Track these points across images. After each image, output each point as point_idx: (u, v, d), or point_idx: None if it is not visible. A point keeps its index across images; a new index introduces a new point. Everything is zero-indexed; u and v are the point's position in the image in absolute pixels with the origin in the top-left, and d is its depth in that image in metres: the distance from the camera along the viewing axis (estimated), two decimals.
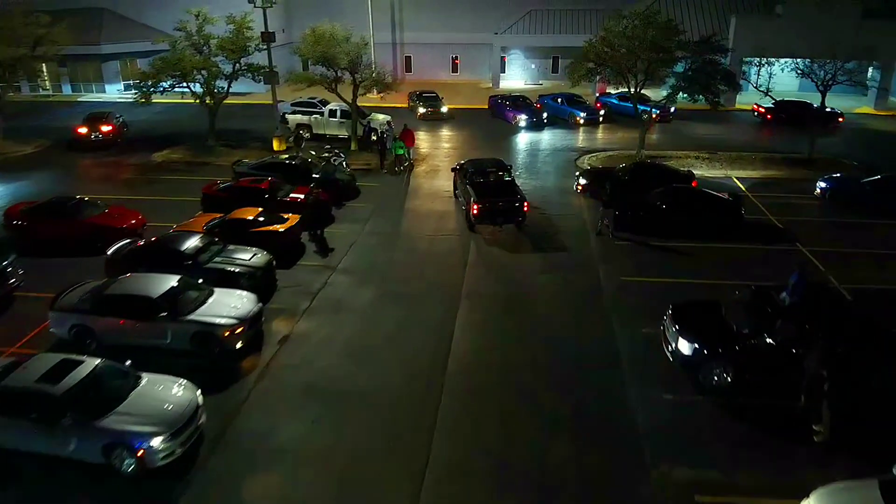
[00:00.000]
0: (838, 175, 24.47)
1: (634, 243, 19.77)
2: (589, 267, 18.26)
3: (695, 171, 25.17)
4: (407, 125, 28.04)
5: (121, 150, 31.12)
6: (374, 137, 28.17)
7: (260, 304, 14.86)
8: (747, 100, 42.48)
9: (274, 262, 17.36)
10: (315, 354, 14.02)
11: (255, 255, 17.03)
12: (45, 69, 45.90)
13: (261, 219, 18.98)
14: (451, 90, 44.40)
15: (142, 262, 16.53)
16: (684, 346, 12.98)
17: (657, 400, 12.44)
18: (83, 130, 31.15)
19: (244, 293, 15.06)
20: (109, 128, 31.98)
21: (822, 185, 23.83)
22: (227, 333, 13.80)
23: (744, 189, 25.00)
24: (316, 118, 31.64)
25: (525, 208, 20.14)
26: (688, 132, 34.28)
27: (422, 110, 36.64)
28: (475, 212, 19.80)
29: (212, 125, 30.52)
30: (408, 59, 49.67)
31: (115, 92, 46.70)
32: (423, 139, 32.97)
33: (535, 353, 14.00)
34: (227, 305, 14.44)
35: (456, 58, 49.64)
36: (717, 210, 20.39)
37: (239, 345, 14.00)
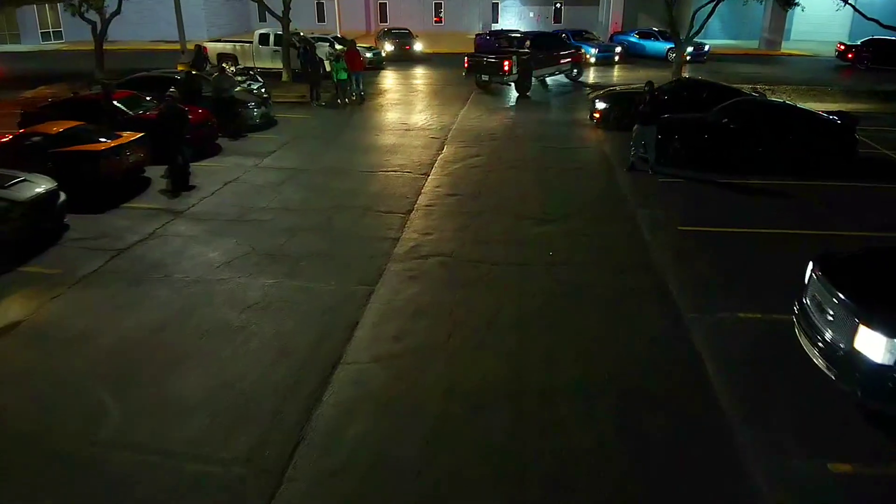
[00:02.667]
0: None
1: (688, 181, 12.17)
2: (619, 213, 10.64)
3: None
4: (354, 44, 20.33)
5: None
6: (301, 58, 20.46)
7: None
8: (794, 46, 35.07)
9: (60, 198, 9.80)
10: (42, 367, 6.42)
11: (19, 182, 9.46)
12: None
13: (74, 134, 11.41)
14: (432, 39, 36.80)
15: None
16: (876, 346, 5.38)
17: (821, 479, 4.90)
18: None
19: None
20: None
21: None
22: None
23: None
24: (242, 46, 24.03)
25: (506, 67, 20.30)
26: (730, 71, 26.59)
27: (389, 48, 28.95)
28: (465, 64, 21.93)
29: (99, 53, 22.91)
30: (382, 6, 42.01)
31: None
32: (386, 78, 25.35)
33: (520, 382, 6.38)
34: None
35: (440, 4, 41.96)
36: (819, 132, 12.77)
37: None
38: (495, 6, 40.90)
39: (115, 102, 13.53)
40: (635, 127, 12.63)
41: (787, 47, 34.43)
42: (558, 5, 41.00)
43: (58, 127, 11.60)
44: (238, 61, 24.01)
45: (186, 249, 9.15)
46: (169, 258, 8.85)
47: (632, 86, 20.61)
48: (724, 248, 9.12)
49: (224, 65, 23.66)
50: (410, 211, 10.71)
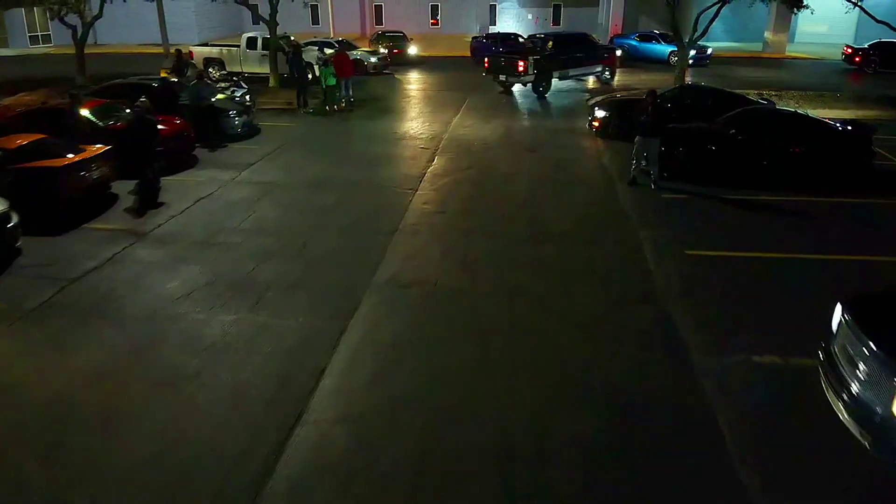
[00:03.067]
0: None
1: (694, 197, 11.36)
2: (620, 234, 9.83)
3: None
4: (345, 49, 19.51)
5: None
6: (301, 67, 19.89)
7: None
8: (799, 49, 34.31)
9: (12, 221, 8.98)
10: None
11: None
12: None
13: (36, 148, 10.60)
14: (428, 42, 36.01)
15: None
16: None
17: None
18: None
19: None
20: None
21: None
22: None
23: None
24: (229, 51, 23.23)
25: (521, 67, 20.35)
26: (734, 75, 25.76)
27: (383, 51, 28.10)
28: (485, 64, 22.32)
29: (80, 57, 22.17)
30: (377, 8, 41.22)
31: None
32: (380, 85, 24.50)
33: (507, 447, 5.56)
34: None
35: (436, 7, 41.15)
36: (834, 143, 11.97)
37: None
38: (493, 8, 40.11)
39: (84, 112, 12.73)
40: (636, 138, 11.82)
41: (791, 50, 33.68)
42: (557, 6, 40.19)
43: (20, 140, 10.77)
44: (225, 66, 23.19)
45: (144, 278, 8.34)
46: (123, 289, 8.04)
47: (632, 91, 19.83)
48: (736, 276, 8.31)
49: (210, 69, 22.91)
50: (394, 231, 9.89)
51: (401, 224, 10.18)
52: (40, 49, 37.83)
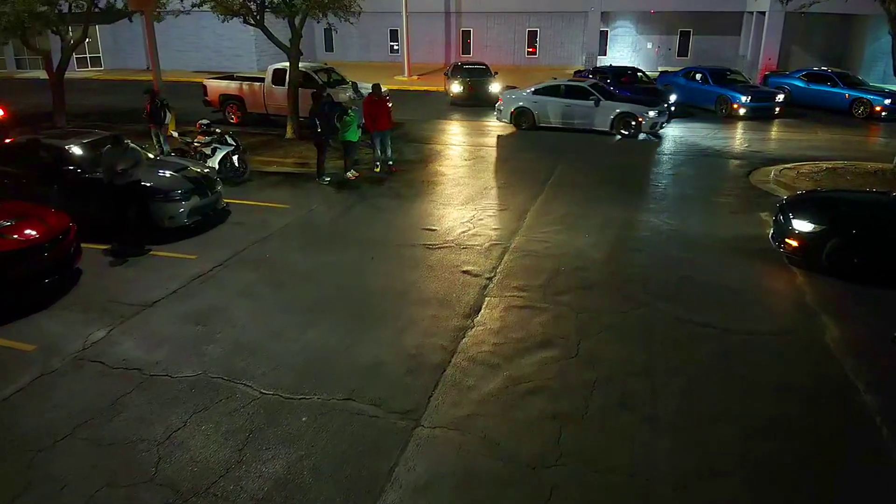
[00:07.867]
0: None
1: None
2: None
3: None
4: (379, 90, 13.37)
5: None
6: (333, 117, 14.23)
7: None
8: None
9: None
10: None
11: None
12: None
13: None
14: (521, 76, 29.62)
15: None
16: None
17: None
18: None
19: None
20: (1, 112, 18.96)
21: None
22: None
23: None
24: (251, 86, 17.85)
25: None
26: None
27: (457, 88, 21.82)
28: None
29: (57, 96, 17.63)
30: (465, 34, 35.33)
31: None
32: (440, 133, 18.28)
33: None
34: None
35: (535, 32, 34.67)
36: None
37: None
38: (604, 35, 33.11)
39: None
40: None
41: None
42: (685, 34, 32.55)
43: None
44: (245, 105, 17.88)
45: None
46: None
47: (822, 162, 12.66)
48: None
49: (227, 108, 17.72)
50: None
51: None
52: (86, 73, 33.54)
